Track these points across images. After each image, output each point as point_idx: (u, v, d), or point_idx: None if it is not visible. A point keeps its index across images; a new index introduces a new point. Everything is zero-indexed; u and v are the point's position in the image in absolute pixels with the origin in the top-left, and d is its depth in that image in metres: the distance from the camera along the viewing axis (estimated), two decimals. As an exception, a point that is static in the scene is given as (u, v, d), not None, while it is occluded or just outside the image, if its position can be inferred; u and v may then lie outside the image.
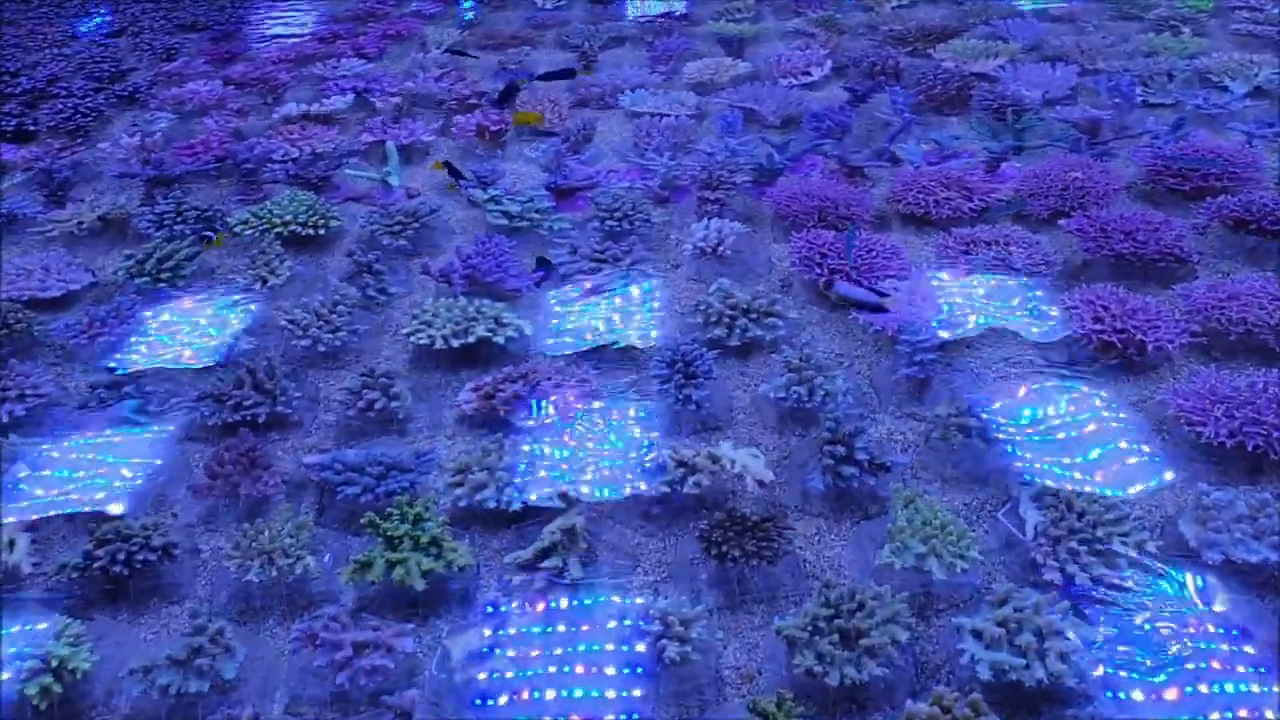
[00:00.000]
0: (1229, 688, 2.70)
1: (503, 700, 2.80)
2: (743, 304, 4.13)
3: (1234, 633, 2.84)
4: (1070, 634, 2.78)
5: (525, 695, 2.81)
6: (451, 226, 5.10)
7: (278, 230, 4.82)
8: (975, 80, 6.10)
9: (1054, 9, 7.29)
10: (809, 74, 6.37)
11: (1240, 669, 2.75)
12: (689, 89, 6.38)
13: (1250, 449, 3.37)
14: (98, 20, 8.39)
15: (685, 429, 3.75)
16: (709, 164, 5.06)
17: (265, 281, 4.53)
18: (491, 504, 3.34)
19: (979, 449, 3.48)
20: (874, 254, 4.39)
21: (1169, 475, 3.45)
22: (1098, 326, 3.90)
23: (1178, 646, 2.80)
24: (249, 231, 4.84)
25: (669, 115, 5.88)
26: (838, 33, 7.06)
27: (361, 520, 3.19)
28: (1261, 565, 3.00)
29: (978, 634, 2.81)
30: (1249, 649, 2.79)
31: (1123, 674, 2.75)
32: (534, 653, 2.90)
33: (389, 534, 3.16)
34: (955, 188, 4.87)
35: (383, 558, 3.10)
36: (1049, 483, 3.29)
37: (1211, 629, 2.86)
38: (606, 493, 3.46)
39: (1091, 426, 3.62)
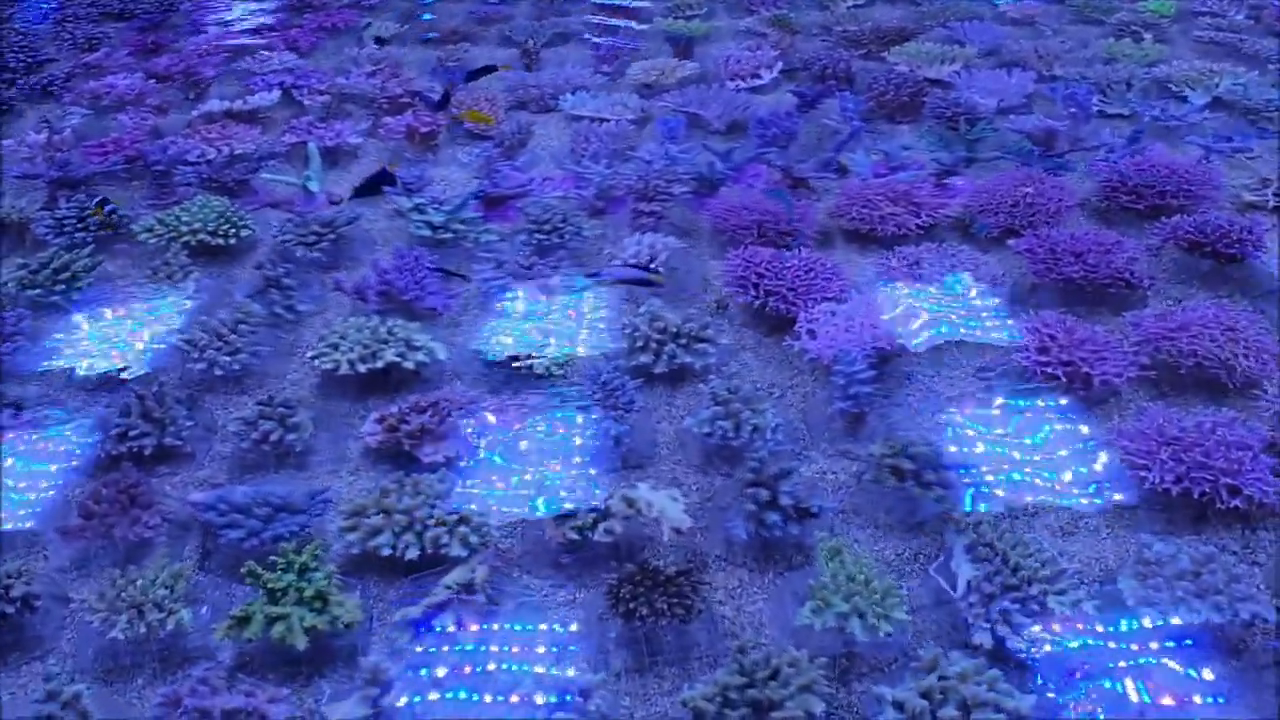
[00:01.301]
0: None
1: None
2: (672, 328, 3.89)
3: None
4: (1002, 704, 2.58)
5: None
6: (373, 237, 4.82)
7: (184, 239, 4.53)
8: (929, 86, 5.87)
9: (1013, 12, 7.06)
10: (758, 76, 6.12)
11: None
12: (633, 91, 6.12)
13: (1196, 496, 3.18)
14: (21, 5, 8.00)
15: (604, 465, 3.52)
16: (646, 173, 4.80)
17: (166, 296, 4.25)
18: (386, 551, 3.10)
19: (914, 493, 3.27)
20: (812, 274, 4.16)
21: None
22: (1043, 358, 3.69)
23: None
24: (153, 240, 4.55)
25: (610, 120, 5.62)
26: (790, 33, 6.81)
27: (242, 569, 2.95)
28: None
29: (899, 705, 2.61)
30: None
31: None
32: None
33: (270, 586, 2.91)
34: (902, 203, 4.64)
35: (262, 613, 2.86)
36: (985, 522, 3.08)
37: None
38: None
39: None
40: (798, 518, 3.17)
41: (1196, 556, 2.96)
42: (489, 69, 5.81)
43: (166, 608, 2.91)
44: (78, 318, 4.22)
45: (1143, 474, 3.24)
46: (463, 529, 3.14)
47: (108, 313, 4.24)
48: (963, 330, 3.99)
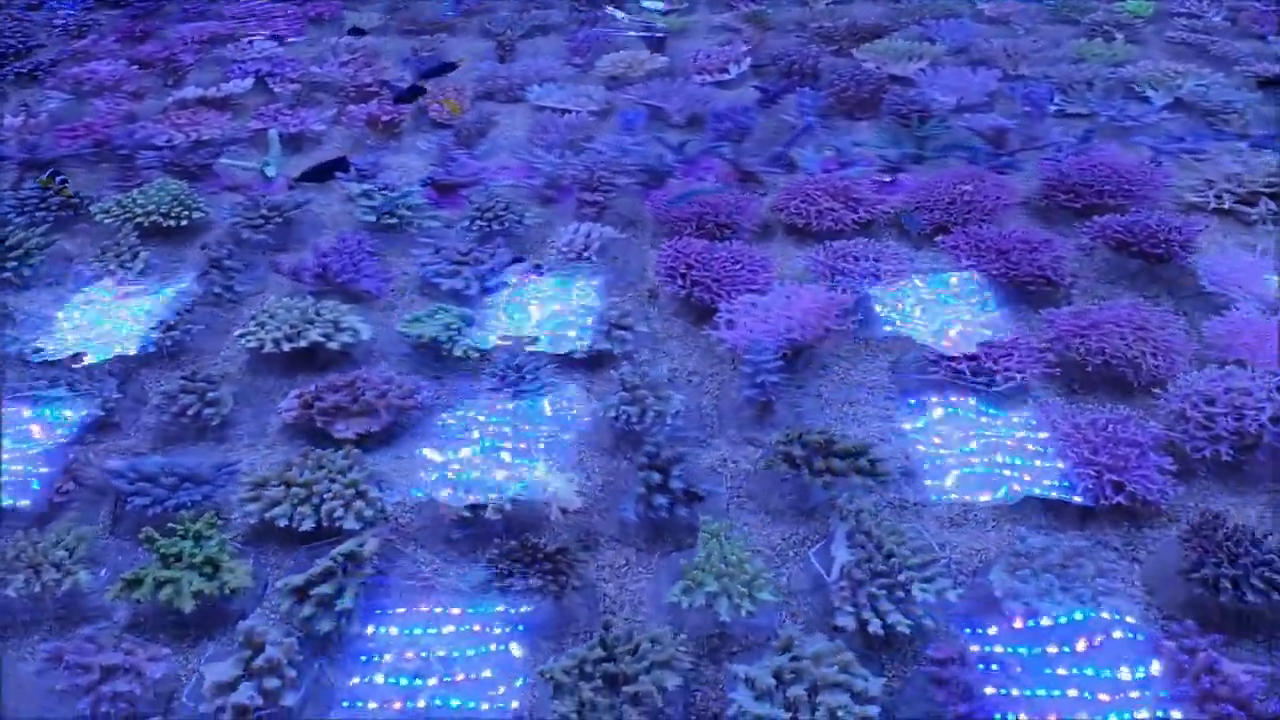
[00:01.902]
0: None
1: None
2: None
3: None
4: (852, 685, 2.64)
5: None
6: (324, 222, 4.94)
7: (138, 220, 4.67)
8: (891, 83, 5.90)
9: (990, 11, 7.06)
10: (725, 71, 6.17)
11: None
12: (601, 83, 6.19)
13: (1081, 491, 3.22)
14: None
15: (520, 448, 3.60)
16: (593, 164, 4.88)
17: (113, 274, 4.38)
18: (283, 522, 3.20)
19: (805, 480, 3.32)
20: (739, 266, 4.22)
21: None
22: (954, 354, 3.73)
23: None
24: (109, 220, 4.68)
25: (572, 111, 5.71)
26: (765, 29, 6.85)
27: (139, 534, 3.06)
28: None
29: (750, 682, 2.67)
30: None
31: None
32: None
33: (164, 551, 3.02)
34: (841, 198, 4.68)
35: (153, 576, 2.97)
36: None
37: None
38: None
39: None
40: (686, 501, 3.24)
41: (1068, 550, 3.00)
42: (447, 66, 5.88)
43: (65, 569, 3.04)
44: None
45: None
46: (359, 504, 3.25)
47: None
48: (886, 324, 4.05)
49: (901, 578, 2.92)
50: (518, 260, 4.30)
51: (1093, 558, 2.99)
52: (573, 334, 4.01)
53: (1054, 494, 3.27)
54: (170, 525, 3.08)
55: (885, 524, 3.07)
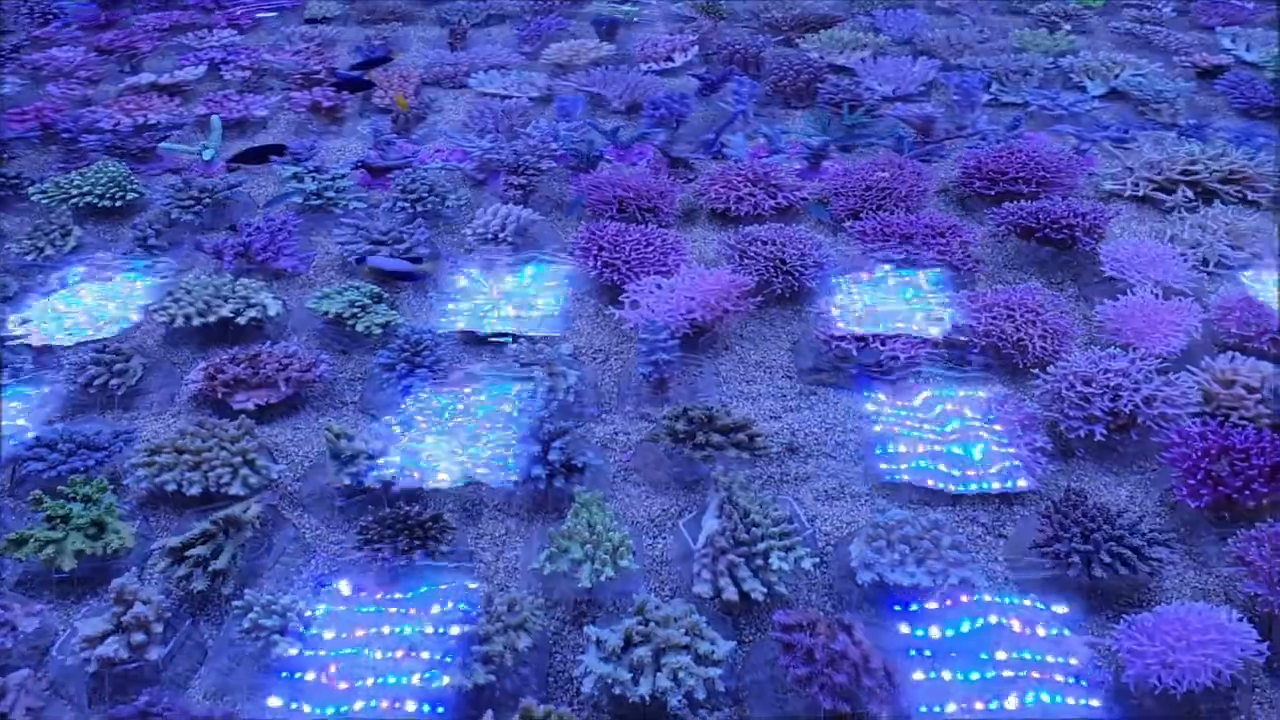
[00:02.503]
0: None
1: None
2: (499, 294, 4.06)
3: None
4: (696, 648, 2.71)
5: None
6: (257, 202, 5.03)
7: (74, 201, 4.77)
8: (832, 73, 5.96)
9: (941, 1, 7.10)
10: (671, 60, 6.24)
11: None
12: (546, 71, 6.27)
13: (947, 468, 3.28)
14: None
15: (409, 420, 3.68)
16: (520, 148, 4.96)
17: (42, 251, 4.49)
18: (171, 487, 3.29)
19: (687, 454, 3.39)
20: (650, 248, 4.29)
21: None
22: (841, 333, 3.79)
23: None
24: (45, 200, 4.79)
25: (512, 96, 5.79)
26: (717, 18, 6.92)
27: (29, 497, 3.16)
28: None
29: (600, 644, 2.75)
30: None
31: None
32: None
33: (50, 513, 3.11)
34: (762, 184, 4.75)
35: (38, 536, 3.07)
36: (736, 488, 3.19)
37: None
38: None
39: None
40: (566, 473, 3.32)
41: (925, 524, 3.06)
42: (379, 60, 5.90)
43: (-47, 530, 3.14)
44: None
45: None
46: (245, 471, 3.34)
47: None
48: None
49: (761, 547, 3.00)
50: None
51: (951, 531, 3.06)
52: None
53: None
54: (60, 489, 3.17)
55: (754, 496, 3.15)
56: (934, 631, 2.82)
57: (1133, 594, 2.96)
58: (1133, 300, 3.86)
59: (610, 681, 2.63)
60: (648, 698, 2.60)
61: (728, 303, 3.98)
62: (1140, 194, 4.67)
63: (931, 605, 2.88)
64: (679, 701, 2.60)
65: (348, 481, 3.30)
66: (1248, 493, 3.03)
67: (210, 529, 3.10)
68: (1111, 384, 3.41)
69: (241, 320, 3.98)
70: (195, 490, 3.28)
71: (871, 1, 7.09)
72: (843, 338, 3.77)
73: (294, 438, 3.66)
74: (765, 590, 2.90)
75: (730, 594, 2.90)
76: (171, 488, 3.28)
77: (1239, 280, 4.16)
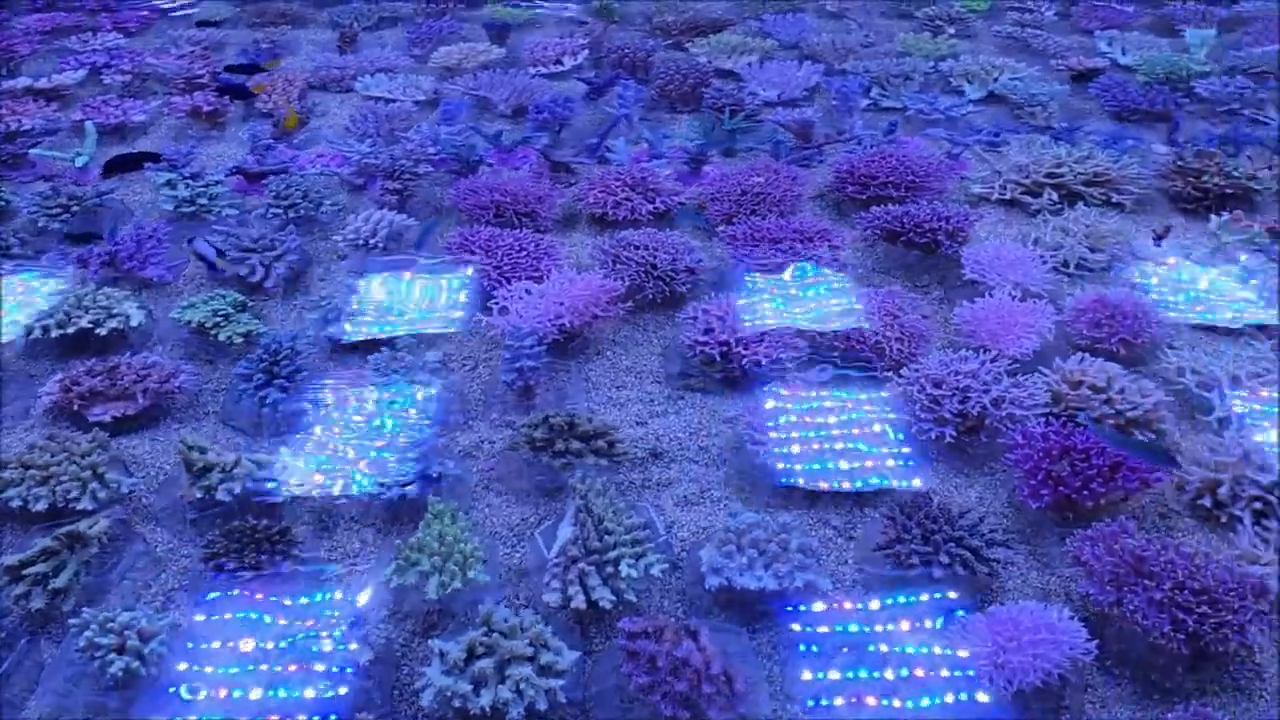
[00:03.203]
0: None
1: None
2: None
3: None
4: (540, 658, 2.71)
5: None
6: (132, 210, 4.94)
7: (-67, 209, 4.67)
8: (719, 77, 6.00)
9: (831, 6, 7.18)
10: (560, 63, 6.25)
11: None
12: (434, 74, 6.23)
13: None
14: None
15: (267, 432, 3.64)
16: (398, 153, 4.93)
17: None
18: (16, 503, 3.22)
19: (546, 462, 3.40)
20: (523, 253, 4.29)
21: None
22: (704, 339, 3.82)
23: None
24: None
25: (396, 100, 5.75)
26: (610, 21, 6.94)
27: None
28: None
29: (443, 656, 2.74)
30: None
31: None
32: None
33: (-112, 534, 3.05)
34: (640, 189, 4.77)
35: None
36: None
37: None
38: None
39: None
40: (420, 485, 3.31)
41: (775, 527, 3.09)
42: (254, 68, 5.80)
43: None
44: None
45: (758, 449, 3.38)
46: (94, 485, 3.28)
47: None
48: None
49: (613, 554, 3.01)
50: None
51: (803, 533, 3.09)
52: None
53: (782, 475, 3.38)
54: (-106, 505, 3.10)
55: (610, 503, 3.16)
56: (822, 629, 2.87)
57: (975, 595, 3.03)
58: (989, 302, 3.94)
59: (450, 694, 2.63)
60: (489, 710, 2.60)
61: (597, 308, 3.99)
62: (1008, 197, 4.77)
63: (819, 607, 2.93)
64: (519, 713, 2.61)
65: (199, 495, 3.26)
66: (1086, 493, 3.11)
67: (52, 546, 3.05)
68: (960, 386, 3.48)
69: (102, 331, 3.91)
70: (42, 506, 3.22)
71: (762, 6, 7.15)
72: (706, 343, 3.80)
73: (152, 450, 3.60)
74: (614, 598, 2.92)
75: (579, 602, 2.91)
76: (17, 504, 3.22)
77: (1097, 282, 4.27)
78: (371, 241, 4.40)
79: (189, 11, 7.47)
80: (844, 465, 3.39)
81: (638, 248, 4.28)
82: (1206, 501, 3.23)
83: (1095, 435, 3.16)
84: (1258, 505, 3.17)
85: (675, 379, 3.89)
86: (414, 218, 4.67)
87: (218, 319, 3.94)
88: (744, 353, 3.76)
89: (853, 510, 3.33)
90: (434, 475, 3.30)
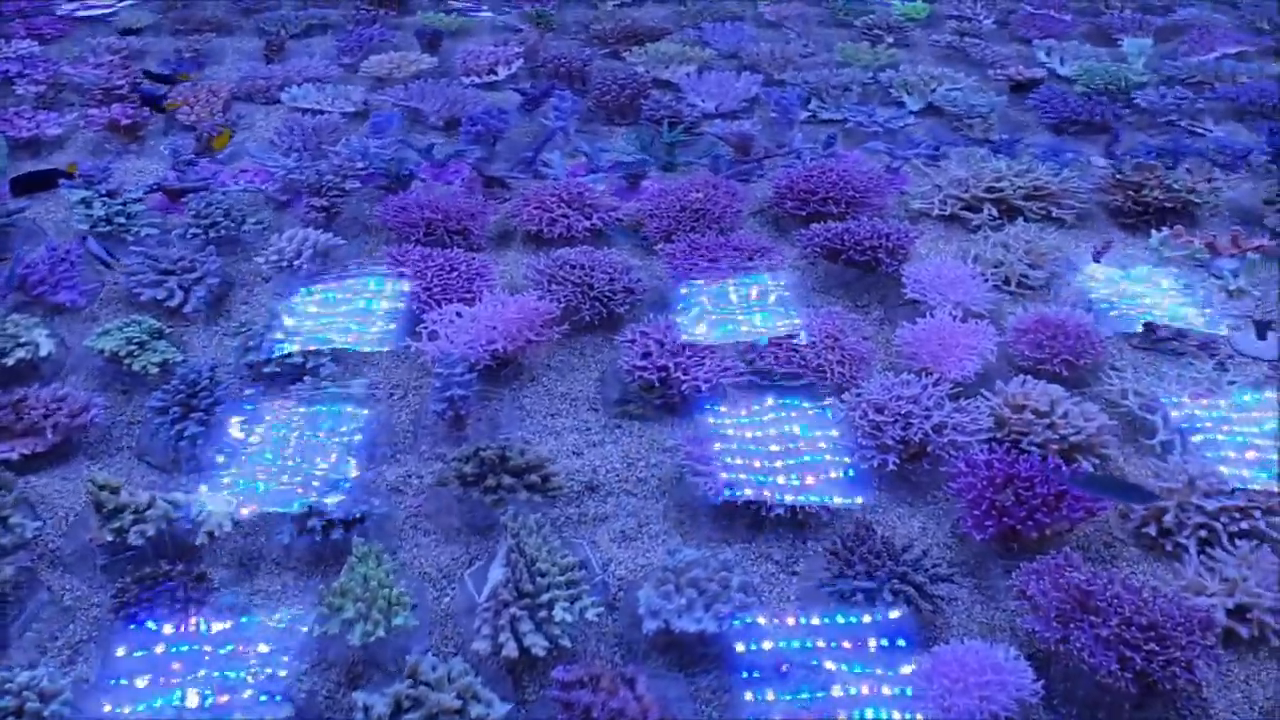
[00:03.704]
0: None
1: None
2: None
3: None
4: (470, 711, 2.59)
5: None
6: (46, 229, 4.73)
7: None
8: (657, 88, 5.90)
9: (770, 14, 7.10)
10: (494, 73, 6.10)
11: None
12: (364, 84, 6.06)
13: (742, 503, 3.22)
14: None
15: (185, 469, 3.48)
16: (324, 168, 4.76)
17: None
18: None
19: (477, 497, 3.27)
20: (454, 274, 4.15)
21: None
22: (642, 363, 3.71)
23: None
24: None
25: (324, 112, 5.58)
26: (546, 30, 6.80)
27: None
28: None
29: (367, 710, 2.60)
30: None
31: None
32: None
33: None
34: (576, 205, 4.65)
35: None
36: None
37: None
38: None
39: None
40: (345, 525, 3.16)
41: (714, 565, 2.99)
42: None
43: None
44: None
45: (699, 480, 3.27)
46: (-4, 532, 3.10)
47: None
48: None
49: (546, 598, 2.89)
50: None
51: (744, 570, 3.00)
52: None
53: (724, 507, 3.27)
54: None
55: (543, 542, 3.04)
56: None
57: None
58: (930, 323, 3.86)
59: (375, 753, 2.51)
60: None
61: (531, 332, 3.87)
62: (947, 212, 4.71)
63: (760, 620, 2.84)
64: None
65: (110, 538, 3.09)
66: (1031, 523, 3.05)
67: (-53, 598, 2.88)
68: (903, 411, 3.41)
69: (9, 361, 3.71)
70: None
71: (701, 14, 7.05)
72: (645, 368, 3.68)
73: (61, 489, 3.41)
74: (548, 645, 2.80)
75: (510, 650, 2.78)
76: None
77: (1038, 300, 4.21)
78: (296, 263, 4.23)
79: (107, 12, 7.22)
80: (785, 481, 3.29)
81: (574, 267, 4.16)
82: (1152, 530, 3.19)
83: (1077, 485, 3.08)
84: (1203, 533, 3.13)
85: (613, 406, 3.77)
86: (342, 236, 4.51)
87: (132, 347, 3.76)
88: (683, 378, 3.65)
89: (795, 543, 3.23)
90: (358, 515, 3.16)
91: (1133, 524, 3.23)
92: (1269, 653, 2.87)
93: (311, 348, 3.83)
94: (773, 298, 4.11)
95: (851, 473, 3.34)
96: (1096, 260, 4.38)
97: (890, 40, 6.57)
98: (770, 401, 3.59)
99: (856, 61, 6.19)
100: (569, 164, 5.15)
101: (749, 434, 3.47)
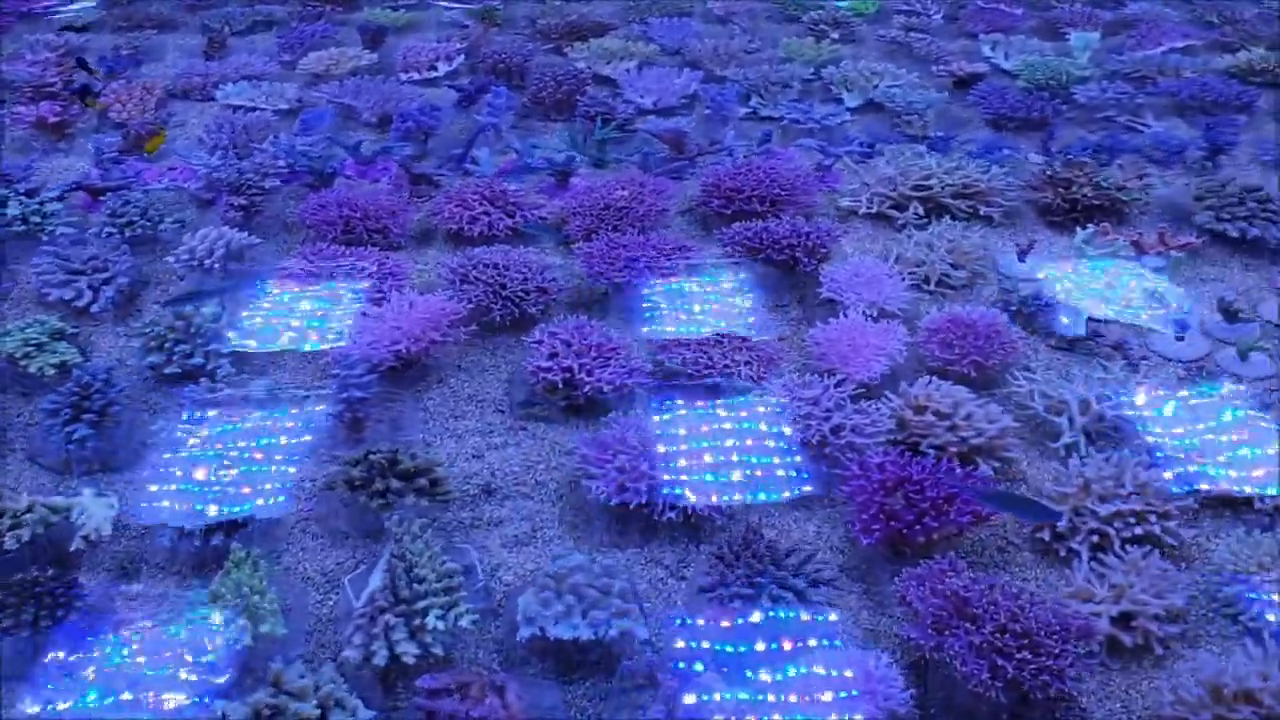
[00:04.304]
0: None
1: None
2: (194, 328, 3.81)
3: None
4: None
5: None
6: (-36, 229, 4.69)
7: None
8: (597, 84, 5.84)
9: (718, 9, 7.03)
10: (434, 69, 6.05)
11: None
12: (303, 81, 6.01)
13: (631, 507, 3.17)
14: None
15: (76, 471, 3.43)
16: (246, 167, 4.70)
17: None
18: None
19: (363, 502, 3.21)
20: (375, 276, 4.10)
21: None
22: (547, 364, 3.65)
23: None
24: None
25: (257, 109, 5.53)
26: (492, 25, 6.74)
27: None
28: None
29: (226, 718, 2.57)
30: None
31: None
32: None
33: None
34: (499, 203, 4.59)
35: None
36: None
37: None
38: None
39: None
40: (228, 529, 3.12)
41: (597, 571, 2.94)
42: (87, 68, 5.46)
43: None
44: None
45: (592, 483, 3.22)
46: (-128, 540, 3.06)
47: None
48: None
49: (422, 605, 2.84)
50: None
51: (625, 577, 2.94)
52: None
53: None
54: None
55: (426, 548, 2.99)
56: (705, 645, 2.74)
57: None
58: (842, 323, 3.81)
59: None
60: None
61: (437, 332, 3.81)
62: (874, 211, 4.66)
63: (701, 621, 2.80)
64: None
65: (-15, 544, 3.05)
66: (919, 528, 3.00)
67: None
68: (802, 413, 3.36)
69: (-104, 362, 3.68)
70: None
71: (648, 10, 6.98)
72: (549, 369, 3.63)
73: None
74: (419, 653, 2.75)
75: (381, 659, 2.74)
76: None
77: (959, 300, 4.16)
78: (208, 262, 4.18)
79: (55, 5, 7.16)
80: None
81: (487, 266, 4.10)
82: (1045, 535, 3.14)
83: (980, 499, 3.03)
84: (1095, 539, 3.08)
85: (519, 408, 3.73)
86: (262, 235, 4.46)
87: (29, 349, 3.71)
88: (587, 379, 3.60)
89: (688, 547, 3.19)
90: (240, 520, 3.12)
91: (1027, 529, 3.19)
92: (1153, 661, 2.83)
93: (212, 349, 3.79)
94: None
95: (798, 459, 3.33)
96: (1021, 259, 4.33)
97: (836, 36, 6.49)
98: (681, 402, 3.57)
99: (799, 57, 6.11)
100: (500, 161, 5.09)
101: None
